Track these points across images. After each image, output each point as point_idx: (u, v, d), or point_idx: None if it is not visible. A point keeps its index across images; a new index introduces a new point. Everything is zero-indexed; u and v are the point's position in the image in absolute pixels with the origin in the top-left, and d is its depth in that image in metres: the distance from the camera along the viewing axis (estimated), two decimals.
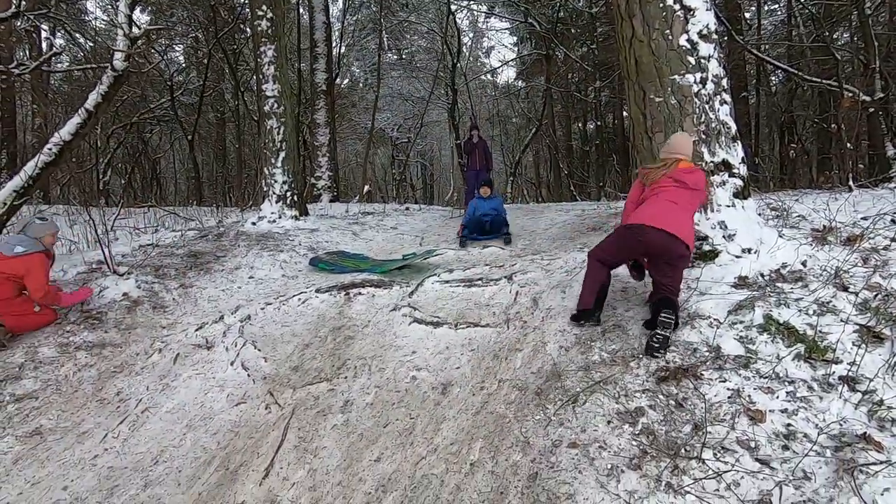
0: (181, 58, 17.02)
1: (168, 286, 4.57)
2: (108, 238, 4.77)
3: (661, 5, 3.68)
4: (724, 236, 3.47)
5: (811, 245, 3.50)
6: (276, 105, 6.84)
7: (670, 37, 3.67)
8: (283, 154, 6.84)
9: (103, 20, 14.87)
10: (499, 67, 20.39)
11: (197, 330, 3.94)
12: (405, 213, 8.47)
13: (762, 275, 3.24)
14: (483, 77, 20.95)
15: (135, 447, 2.80)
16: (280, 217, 6.63)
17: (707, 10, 3.71)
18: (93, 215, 4.96)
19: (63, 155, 5.20)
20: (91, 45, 13.29)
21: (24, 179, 4.65)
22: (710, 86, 3.65)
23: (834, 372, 2.37)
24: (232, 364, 3.47)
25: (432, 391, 3.01)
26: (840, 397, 2.24)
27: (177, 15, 14.66)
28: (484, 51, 22.85)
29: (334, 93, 12.48)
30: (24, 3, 7.49)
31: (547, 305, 3.61)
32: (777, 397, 2.31)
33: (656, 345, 2.74)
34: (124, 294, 4.27)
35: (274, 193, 6.78)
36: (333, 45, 14.87)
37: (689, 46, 3.65)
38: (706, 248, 3.48)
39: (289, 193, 6.83)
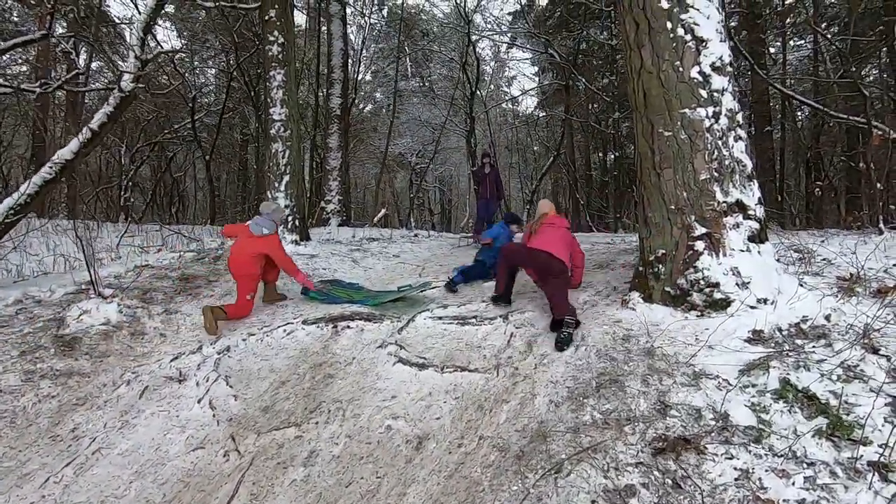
0: (213, 80, 17.43)
1: (152, 311, 4.40)
2: (94, 257, 4.65)
3: (672, 36, 3.46)
4: (737, 284, 3.16)
5: (836, 296, 3.16)
6: (282, 129, 6.79)
7: (681, 69, 3.43)
8: (286, 178, 6.74)
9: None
10: (519, 96, 20.36)
11: (172, 360, 3.74)
12: (411, 241, 8.24)
13: (780, 329, 2.90)
14: (504, 105, 20.98)
15: (75, 495, 2.55)
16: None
17: (721, 41, 3.48)
18: (79, 234, 4.86)
19: (63, 173, 5.16)
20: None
21: (17, 198, 4.62)
22: (723, 120, 3.39)
23: (862, 455, 2.02)
24: (199, 401, 3.25)
25: (406, 445, 2.73)
26: (869, 488, 1.89)
27: (209, 40, 15.02)
28: (506, 81, 23.02)
29: (348, 118, 12.52)
30: (55, 26, 7.71)
31: (542, 351, 3.34)
32: (793, 483, 1.97)
33: (561, 343, 3.28)
34: (104, 319, 4.11)
35: None
36: (356, 71, 15.08)
37: (700, 79, 3.40)
38: (717, 295, 3.17)
39: (290, 218, 6.70)
